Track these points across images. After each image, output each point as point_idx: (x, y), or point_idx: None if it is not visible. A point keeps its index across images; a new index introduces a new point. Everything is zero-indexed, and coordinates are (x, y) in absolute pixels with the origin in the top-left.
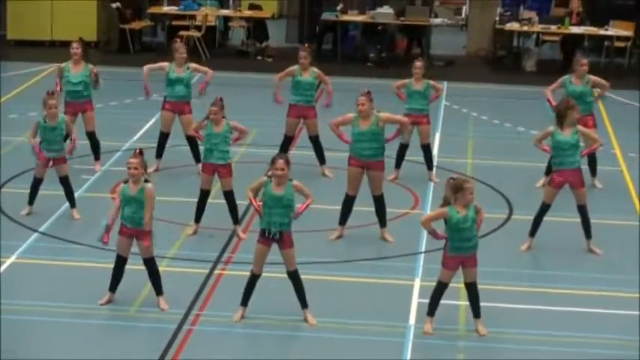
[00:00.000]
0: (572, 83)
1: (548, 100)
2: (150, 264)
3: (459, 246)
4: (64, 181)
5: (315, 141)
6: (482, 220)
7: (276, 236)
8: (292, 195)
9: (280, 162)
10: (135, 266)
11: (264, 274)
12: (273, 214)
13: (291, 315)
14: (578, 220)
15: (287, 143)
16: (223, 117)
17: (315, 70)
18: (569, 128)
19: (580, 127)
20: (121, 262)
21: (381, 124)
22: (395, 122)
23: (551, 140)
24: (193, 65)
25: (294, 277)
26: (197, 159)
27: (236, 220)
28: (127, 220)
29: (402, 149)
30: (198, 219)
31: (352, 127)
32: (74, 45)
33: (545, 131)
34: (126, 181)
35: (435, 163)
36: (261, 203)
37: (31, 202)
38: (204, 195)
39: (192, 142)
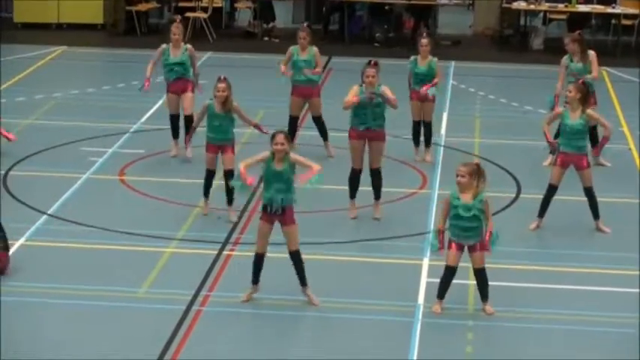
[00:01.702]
0: (573, 61)
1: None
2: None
3: (456, 233)
4: None
5: (318, 121)
6: (488, 215)
7: (278, 211)
8: (292, 169)
9: (280, 136)
10: (142, 247)
11: (272, 254)
12: (274, 190)
13: (300, 295)
14: (586, 199)
15: (293, 124)
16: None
17: (314, 49)
18: (578, 112)
19: (590, 112)
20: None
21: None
22: (388, 101)
23: (560, 122)
24: (191, 47)
25: (295, 257)
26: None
27: (230, 202)
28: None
29: (416, 126)
30: (207, 194)
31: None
32: (174, 29)
33: (553, 113)
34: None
35: (433, 141)
36: (253, 179)
37: None
38: (210, 174)
39: (189, 123)
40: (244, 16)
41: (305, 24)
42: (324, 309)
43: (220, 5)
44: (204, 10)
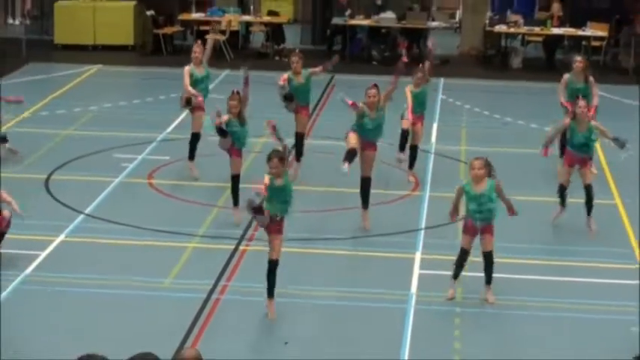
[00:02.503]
0: (573, 82)
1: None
2: None
3: (473, 216)
4: None
5: (301, 138)
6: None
7: (277, 219)
8: (290, 184)
9: (274, 161)
10: (168, 243)
11: (283, 249)
12: (275, 203)
13: (307, 285)
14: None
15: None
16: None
17: (306, 71)
18: (584, 125)
19: (594, 124)
20: None
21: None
22: (388, 95)
23: (569, 133)
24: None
25: (272, 265)
26: (192, 157)
27: (236, 203)
28: None
29: (405, 133)
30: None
31: (363, 118)
32: (196, 48)
33: (563, 124)
34: None
35: (424, 149)
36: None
37: None
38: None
39: (195, 140)
40: (258, 38)
41: (297, 49)
42: (328, 297)
43: (237, 29)
44: (223, 32)
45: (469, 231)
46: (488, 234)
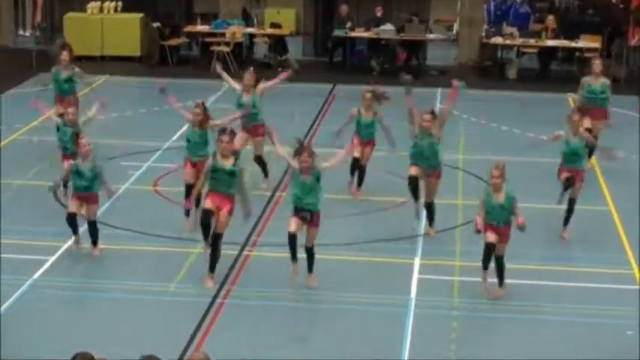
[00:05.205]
0: (590, 84)
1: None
2: None
3: (493, 221)
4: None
5: (260, 161)
6: (516, 208)
7: (307, 218)
8: (319, 180)
9: (304, 155)
10: (173, 248)
11: (285, 255)
12: (305, 198)
13: (311, 289)
14: (587, 209)
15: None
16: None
17: (257, 89)
18: (577, 135)
19: (584, 134)
20: None
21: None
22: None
23: (562, 145)
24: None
25: (310, 251)
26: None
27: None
28: None
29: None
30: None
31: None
32: (195, 111)
33: (556, 134)
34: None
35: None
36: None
37: None
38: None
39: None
40: (261, 49)
41: (251, 68)
42: (331, 301)
43: (241, 40)
44: (227, 44)
45: (491, 230)
46: (504, 242)
